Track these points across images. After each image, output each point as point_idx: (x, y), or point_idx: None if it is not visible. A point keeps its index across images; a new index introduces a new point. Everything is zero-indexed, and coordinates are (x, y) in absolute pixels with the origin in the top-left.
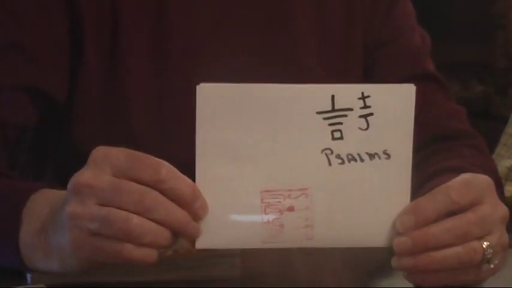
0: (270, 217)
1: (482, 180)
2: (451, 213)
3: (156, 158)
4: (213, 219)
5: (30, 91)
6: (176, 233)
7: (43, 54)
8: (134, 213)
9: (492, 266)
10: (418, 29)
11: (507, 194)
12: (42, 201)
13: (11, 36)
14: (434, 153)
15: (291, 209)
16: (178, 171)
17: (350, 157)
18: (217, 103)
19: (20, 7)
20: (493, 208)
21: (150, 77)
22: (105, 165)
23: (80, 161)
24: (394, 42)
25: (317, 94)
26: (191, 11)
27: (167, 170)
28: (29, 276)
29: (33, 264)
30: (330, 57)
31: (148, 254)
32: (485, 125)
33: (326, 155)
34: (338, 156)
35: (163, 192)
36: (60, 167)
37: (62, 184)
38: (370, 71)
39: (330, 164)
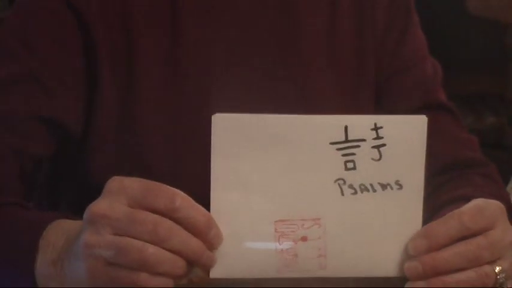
0: (284, 246)
1: (495, 206)
2: (462, 239)
3: (171, 187)
4: (227, 248)
5: (46, 122)
6: (191, 262)
7: (58, 84)
8: (149, 242)
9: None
10: (429, 59)
11: None
12: (58, 231)
13: (26, 67)
14: (447, 182)
15: (304, 238)
16: (192, 200)
17: (363, 187)
18: (232, 133)
19: (33, 37)
20: (504, 233)
21: (165, 104)
22: (120, 196)
23: (94, 191)
24: (406, 72)
25: (330, 125)
26: (206, 33)
27: (182, 199)
28: None
29: None
30: (342, 82)
31: (164, 283)
32: (498, 156)
33: (339, 185)
34: (351, 187)
35: (177, 221)
36: (75, 198)
37: (77, 215)
38: (382, 100)
39: (342, 194)
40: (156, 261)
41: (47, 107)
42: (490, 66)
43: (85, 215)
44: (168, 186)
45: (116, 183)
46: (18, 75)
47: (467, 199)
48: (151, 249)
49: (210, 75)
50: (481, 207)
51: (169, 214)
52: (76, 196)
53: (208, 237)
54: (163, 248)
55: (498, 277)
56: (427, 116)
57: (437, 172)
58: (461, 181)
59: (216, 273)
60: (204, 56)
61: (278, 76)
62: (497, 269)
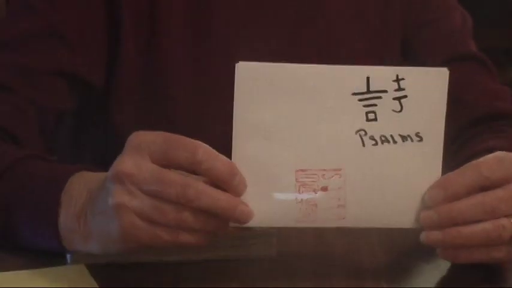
0: (304, 196)
1: None
2: (482, 190)
3: (193, 140)
4: (247, 198)
5: (68, 77)
6: (226, 219)
7: (80, 40)
8: (177, 203)
9: None
10: (458, 9)
11: None
12: (80, 184)
13: (49, 23)
14: (479, 133)
15: (324, 189)
16: (214, 151)
17: (383, 138)
18: (255, 82)
19: None
20: None
21: (189, 59)
22: (143, 151)
23: (119, 144)
24: (435, 23)
25: (352, 75)
26: (229, 2)
27: (203, 151)
28: (68, 255)
29: (73, 246)
30: (367, 37)
31: (201, 239)
32: None
33: (360, 136)
34: (372, 138)
35: (201, 172)
36: (100, 151)
37: (101, 168)
38: (411, 53)
39: (363, 145)
40: (193, 220)
41: (68, 62)
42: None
43: (110, 173)
44: (190, 139)
45: (137, 138)
46: (39, 29)
47: (498, 150)
48: (188, 210)
49: (233, 28)
50: (500, 158)
51: (192, 167)
52: (101, 149)
53: (233, 185)
54: (194, 208)
55: None
56: (458, 67)
57: (470, 124)
58: (493, 133)
59: (235, 223)
60: (228, 9)
61: (302, 28)
62: None
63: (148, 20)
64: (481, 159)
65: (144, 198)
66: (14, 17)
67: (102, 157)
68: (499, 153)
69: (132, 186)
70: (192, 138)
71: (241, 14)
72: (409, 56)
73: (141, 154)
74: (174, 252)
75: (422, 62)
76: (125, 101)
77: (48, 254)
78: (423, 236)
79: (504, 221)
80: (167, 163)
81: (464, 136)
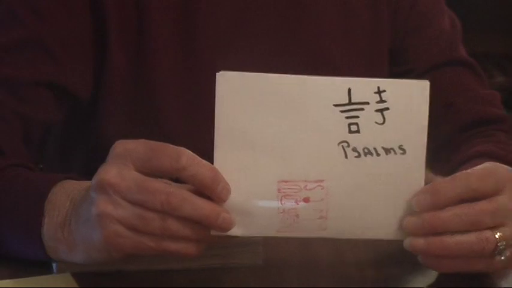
0: (286, 207)
1: (504, 171)
2: (469, 200)
3: (175, 146)
4: (229, 206)
5: (52, 88)
6: (209, 226)
7: (65, 51)
8: (161, 211)
9: (503, 258)
10: (447, 13)
11: None
12: (62, 194)
13: (32, 33)
14: (469, 138)
15: (306, 200)
16: (198, 157)
17: (366, 151)
18: (237, 91)
19: (42, 4)
20: (510, 200)
21: (176, 70)
22: (127, 160)
23: (107, 154)
24: (423, 29)
25: (334, 87)
26: (217, 7)
27: (187, 157)
28: (54, 265)
29: (57, 256)
30: (354, 50)
31: (186, 247)
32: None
33: (343, 147)
34: (354, 149)
35: (185, 179)
36: (87, 161)
37: (88, 178)
38: (400, 59)
39: (346, 157)
40: (177, 227)
41: (53, 73)
42: (502, 26)
43: (93, 182)
44: (173, 146)
45: (120, 147)
46: (25, 40)
47: (488, 155)
48: (172, 218)
49: (219, 39)
50: (490, 170)
51: (175, 173)
52: (88, 160)
53: (216, 191)
54: (177, 216)
55: (498, 244)
56: (447, 72)
57: (461, 129)
58: (483, 137)
59: (216, 231)
60: (214, 19)
61: (289, 41)
62: (498, 235)
63: (136, 32)
64: (470, 170)
65: (128, 207)
66: None
67: (90, 167)
68: (488, 165)
69: (116, 195)
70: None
71: (226, 26)
72: (397, 64)
73: (124, 163)
74: (159, 261)
75: (411, 69)
76: (112, 112)
77: (33, 263)
78: (407, 242)
79: (488, 234)
80: (150, 171)
81: (456, 141)
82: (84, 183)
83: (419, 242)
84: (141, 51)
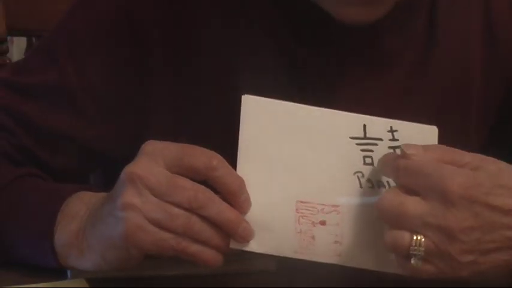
0: (303, 228)
1: None
2: None
3: (207, 149)
4: (248, 220)
5: (71, 140)
6: (228, 233)
7: (95, 107)
8: (187, 208)
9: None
10: None
11: None
12: (78, 203)
13: (65, 80)
14: None
15: (322, 223)
16: (228, 164)
17: (380, 184)
18: (260, 115)
19: (83, 53)
20: None
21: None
22: (158, 157)
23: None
24: None
25: (351, 121)
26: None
27: (218, 159)
28: (68, 271)
29: (67, 263)
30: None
31: (203, 252)
32: None
33: (358, 177)
34: (369, 181)
35: (214, 179)
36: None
37: (105, 185)
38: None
39: (361, 187)
40: (200, 228)
41: (77, 127)
42: None
43: (122, 175)
44: (204, 148)
45: (151, 145)
46: (56, 85)
47: None
48: (195, 217)
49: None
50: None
51: (207, 172)
52: (104, 169)
53: (240, 200)
54: (201, 215)
55: None
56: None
57: None
58: None
59: (235, 244)
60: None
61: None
62: None
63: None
64: None
65: (154, 201)
66: (33, 63)
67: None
68: None
69: (144, 188)
70: None
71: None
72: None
73: (155, 159)
74: (172, 267)
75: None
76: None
77: (50, 270)
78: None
79: None
80: (181, 170)
81: None
82: (101, 194)
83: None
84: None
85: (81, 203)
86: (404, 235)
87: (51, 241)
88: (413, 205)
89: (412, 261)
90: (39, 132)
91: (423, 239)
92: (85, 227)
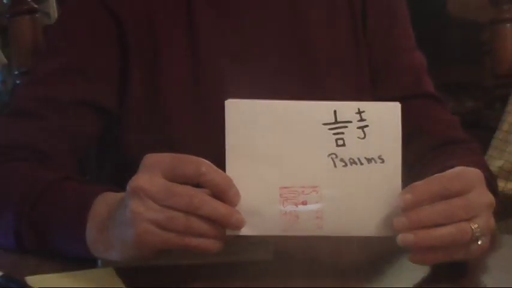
0: (288, 209)
1: (473, 172)
2: (443, 198)
3: (196, 157)
4: (240, 210)
5: (89, 104)
6: (223, 225)
7: (96, 73)
8: (185, 211)
9: (480, 242)
10: (417, 51)
11: (499, 188)
12: (102, 204)
13: (70, 61)
14: (438, 155)
15: (304, 203)
16: (215, 166)
17: (351, 161)
18: (242, 115)
19: (77, 37)
20: (480, 196)
21: (187, 90)
22: (156, 169)
23: (130, 163)
24: (397, 55)
25: (322, 109)
26: (219, 26)
27: (206, 166)
28: (99, 261)
29: (97, 254)
30: (344, 73)
31: (205, 243)
32: (476, 135)
33: (332, 158)
34: (342, 160)
35: (204, 183)
36: (115, 170)
37: (116, 184)
38: (377, 87)
39: (335, 166)
40: (198, 225)
41: (88, 92)
42: (469, 58)
43: (128, 188)
44: (194, 156)
45: (150, 158)
46: (64, 67)
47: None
48: (194, 217)
49: (223, 64)
50: (459, 173)
51: (197, 179)
52: (115, 168)
53: (229, 195)
54: (198, 215)
55: (474, 232)
56: (419, 104)
57: (431, 148)
58: (450, 155)
59: (231, 231)
60: (218, 47)
61: (288, 71)
62: (473, 225)
63: (152, 56)
64: (444, 173)
65: (157, 208)
66: (43, 59)
67: (117, 175)
68: (459, 169)
69: (147, 198)
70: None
71: (231, 56)
72: (376, 90)
73: (153, 171)
74: (183, 257)
75: (381, 98)
76: (133, 127)
77: (82, 259)
78: (399, 239)
79: (464, 225)
80: (175, 177)
81: (426, 158)
82: (120, 194)
83: (409, 237)
84: (156, 75)
85: (104, 204)
86: (464, 226)
87: (83, 238)
88: (459, 200)
89: (479, 242)
90: (62, 108)
91: (477, 223)
92: (107, 226)
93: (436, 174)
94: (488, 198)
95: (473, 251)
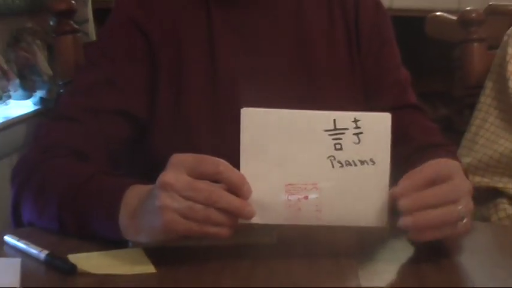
0: (292, 202)
1: (453, 162)
2: (432, 184)
3: (215, 158)
4: (251, 202)
5: (123, 114)
6: (237, 215)
7: (130, 88)
8: (205, 204)
9: (464, 221)
10: (402, 68)
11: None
12: (133, 194)
13: (106, 74)
14: (421, 157)
15: (306, 197)
16: (231, 166)
17: (347, 162)
18: (255, 121)
19: (113, 52)
20: (461, 181)
21: (207, 102)
22: (181, 167)
23: (156, 162)
24: (385, 78)
25: (324, 118)
26: (236, 57)
27: (224, 165)
28: (130, 242)
29: (128, 237)
30: (341, 87)
31: (221, 231)
32: (449, 137)
33: (330, 160)
34: (339, 162)
35: (221, 180)
36: (143, 168)
37: (144, 179)
38: (369, 99)
39: (333, 167)
40: (216, 216)
41: (121, 103)
42: (443, 72)
43: (157, 183)
44: (213, 157)
45: (176, 158)
46: (101, 80)
47: None
48: (212, 209)
49: (239, 80)
50: (444, 162)
51: (215, 176)
52: (145, 167)
53: (243, 190)
54: (216, 207)
55: (460, 213)
56: (404, 113)
57: (415, 151)
58: (432, 154)
59: (243, 220)
60: (234, 65)
61: (292, 81)
62: (459, 207)
63: (177, 73)
64: (432, 161)
65: (181, 201)
66: (83, 72)
67: (145, 172)
68: (442, 159)
69: (173, 192)
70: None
71: (245, 67)
72: (368, 103)
73: (179, 169)
74: (205, 240)
75: (377, 108)
76: (160, 131)
77: (115, 241)
78: (400, 222)
79: (452, 207)
80: (197, 175)
81: (411, 159)
82: (149, 186)
83: (409, 219)
84: (180, 88)
85: (135, 194)
86: (452, 207)
87: (117, 223)
88: (447, 185)
89: (463, 221)
90: (100, 115)
91: (461, 204)
92: (138, 214)
93: (427, 163)
94: (468, 184)
95: (459, 229)
